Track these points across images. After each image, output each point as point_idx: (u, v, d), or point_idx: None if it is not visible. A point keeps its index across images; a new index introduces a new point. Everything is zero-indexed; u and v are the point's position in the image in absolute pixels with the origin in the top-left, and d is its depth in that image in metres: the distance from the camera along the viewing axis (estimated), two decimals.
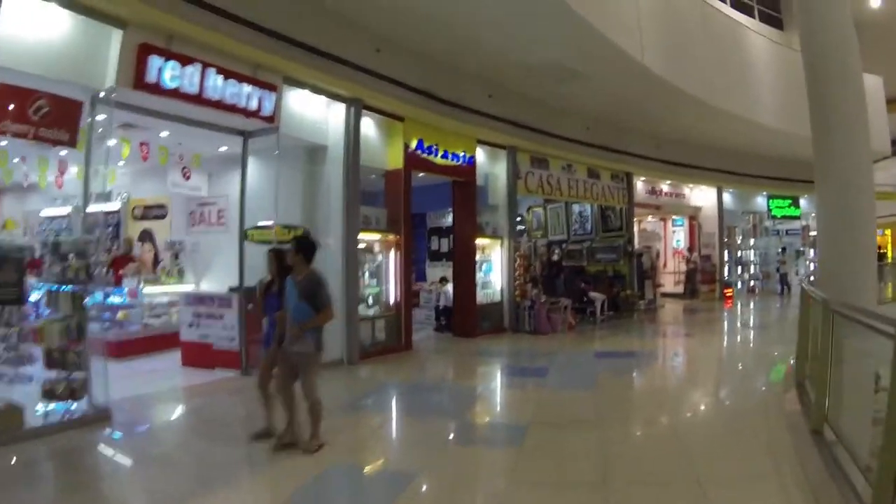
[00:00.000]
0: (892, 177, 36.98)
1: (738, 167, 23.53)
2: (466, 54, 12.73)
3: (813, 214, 28.26)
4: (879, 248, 18.62)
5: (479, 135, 14.50)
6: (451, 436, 7.29)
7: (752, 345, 14.85)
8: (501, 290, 15.49)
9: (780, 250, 26.11)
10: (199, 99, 8.77)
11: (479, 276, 15.07)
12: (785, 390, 8.74)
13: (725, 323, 19.10)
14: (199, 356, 10.63)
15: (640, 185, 21.18)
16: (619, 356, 12.41)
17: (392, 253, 12.81)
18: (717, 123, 18.48)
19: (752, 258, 26.38)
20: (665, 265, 23.94)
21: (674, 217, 25.32)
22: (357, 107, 11.60)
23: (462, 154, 14.06)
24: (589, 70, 13.42)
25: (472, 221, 14.63)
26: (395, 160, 12.83)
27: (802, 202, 27.42)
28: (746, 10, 21.52)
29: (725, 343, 15.34)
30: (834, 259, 8.78)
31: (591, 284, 17.69)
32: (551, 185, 16.72)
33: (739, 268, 25.94)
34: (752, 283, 26.31)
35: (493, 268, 15.53)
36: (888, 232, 33.08)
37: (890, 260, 35.56)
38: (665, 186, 22.80)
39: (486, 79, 14.00)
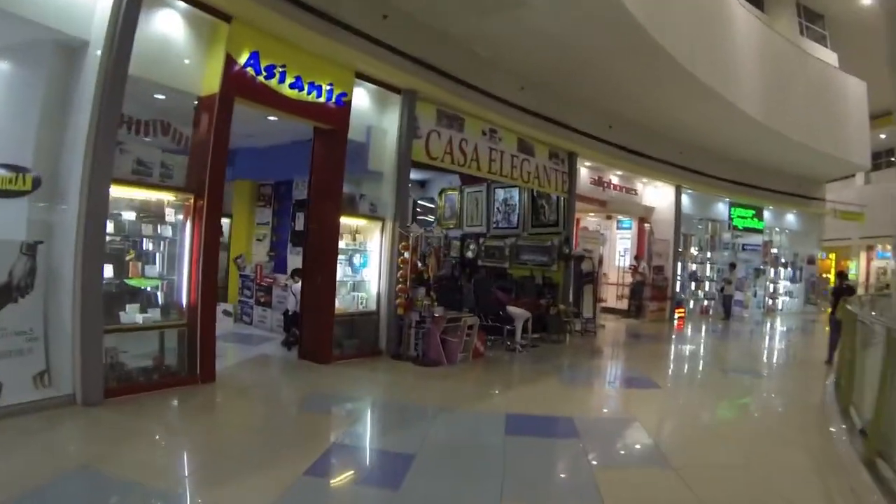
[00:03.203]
0: (861, 193, 34.07)
1: (702, 165, 19.62)
2: None
3: (776, 229, 24.78)
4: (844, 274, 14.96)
5: (361, 65, 9.74)
6: None
7: (763, 407, 9.45)
8: (378, 296, 10.58)
9: (728, 266, 21.64)
10: None
11: (346, 272, 10.35)
12: None
13: (696, 360, 13.83)
14: None
15: (584, 172, 16.54)
16: (548, 430, 7.10)
17: (190, 224, 7.77)
18: (692, 101, 14.68)
19: (707, 274, 21.89)
20: (607, 275, 19.25)
21: (620, 217, 20.72)
22: None
23: (329, 88, 9.26)
24: None
25: (336, 191, 9.72)
26: (211, 82, 7.93)
27: (766, 214, 23.50)
28: None
29: (718, 402, 9.50)
30: None
31: (512, 294, 12.81)
32: (465, 153, 11.93)
33: (693, 284, 21.42)
34: (705, 302, 21.82)
35: (370, 262, 10.59)
36: (832, 256, 30.51)
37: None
38: (615, 178, 18.24)
39: None
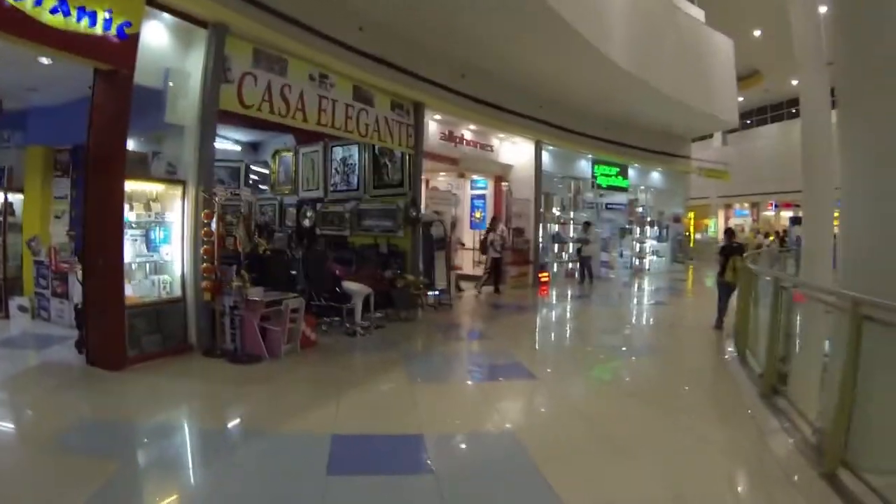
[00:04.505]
0: (720, 154, 35.27)
1: (564, 120, 19.37)
2: None
3: (641, 188, 24.87)
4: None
5: None
6: None
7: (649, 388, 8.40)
8: (183, 279, 9.14)
9: (583, 225, 21.03)
10: None
11: (141, 251, 8.84)
12: None
13: (571, 335, 13.04)
14: None
15: (433, 126, 15.43)
16: (387, 461, 5.45)
17: None
18: (556, 48, 13.96)
19: (571, 234, 21.35)
20: (462, 242, 18.39)
21: (475, 176, 19.77)
22: None
23: (107, 16, 7.60)
24: None
25: (119, 149, 8.12)
26: None
27: (631, 172, 23.48)
28: None
29: (610, 394, 8.24)
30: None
31: (352, 267, 11.56)
32: (288, 101, 10.60)
33: (556, 246, 20.86)
34: (570, 265, 21.35)
35: (172, 237, 9.08)
36: (691, 214, 31.40)
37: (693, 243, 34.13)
38: (468, 133, 17.19)
39: None
